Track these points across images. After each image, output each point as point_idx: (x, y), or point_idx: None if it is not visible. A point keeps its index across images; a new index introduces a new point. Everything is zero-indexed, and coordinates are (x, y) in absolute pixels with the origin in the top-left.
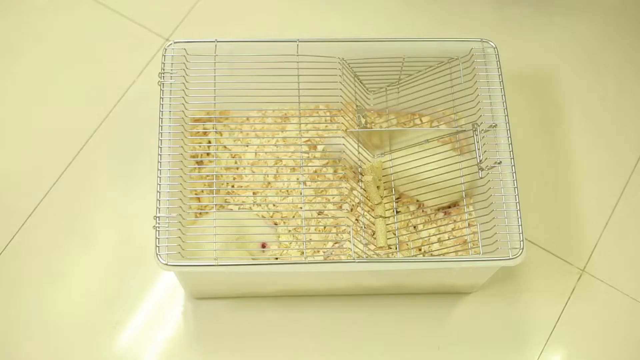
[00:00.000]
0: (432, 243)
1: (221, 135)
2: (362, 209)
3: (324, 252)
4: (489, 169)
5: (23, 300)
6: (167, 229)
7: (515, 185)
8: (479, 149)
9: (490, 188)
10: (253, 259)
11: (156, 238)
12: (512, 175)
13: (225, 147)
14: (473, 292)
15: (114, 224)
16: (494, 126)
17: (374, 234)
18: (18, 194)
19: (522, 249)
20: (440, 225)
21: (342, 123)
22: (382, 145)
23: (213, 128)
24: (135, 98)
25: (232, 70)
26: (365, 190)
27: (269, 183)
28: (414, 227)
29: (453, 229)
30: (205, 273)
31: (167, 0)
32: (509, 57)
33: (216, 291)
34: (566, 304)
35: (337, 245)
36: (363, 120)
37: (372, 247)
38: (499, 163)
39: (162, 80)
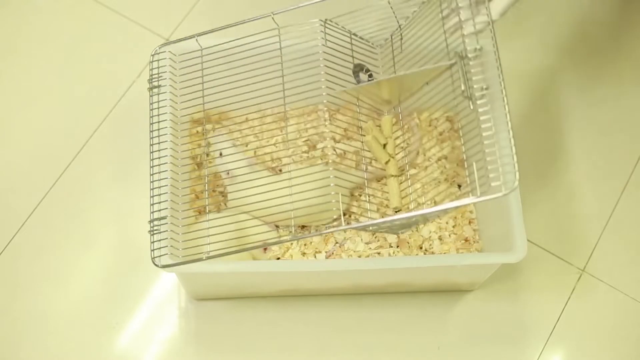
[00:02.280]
0: (433, 240)
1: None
2: (365, 166)
3: (326, 252)
4: (479, 99)
5: (23, 300)
6: (160, 231)
7: (508, 119)
8: (464, 76)
9: (490, 183)
10: (253, 257)
11: (151, 242)
12: (506, 115)
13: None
14: (474, 289)
15: (114, 224)
16: (479, 50)
17: (382, 206)
18: (18, 194)
19: (517, 180)
20: (441, 218)
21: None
22: (391, 99)
23: (212, 128)
24: (135, 98)
25: (218, 66)
26: (369, 151)
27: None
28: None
29: (454, 226)
30: (204, 274)
31: (167, 0)
32: (509, 57)
33: (216, 292)
34: (566, 303)
35: (337, 245)
36: (365, 77)
37: (385, 211)
38: (485, 89)
39: (151, 85)
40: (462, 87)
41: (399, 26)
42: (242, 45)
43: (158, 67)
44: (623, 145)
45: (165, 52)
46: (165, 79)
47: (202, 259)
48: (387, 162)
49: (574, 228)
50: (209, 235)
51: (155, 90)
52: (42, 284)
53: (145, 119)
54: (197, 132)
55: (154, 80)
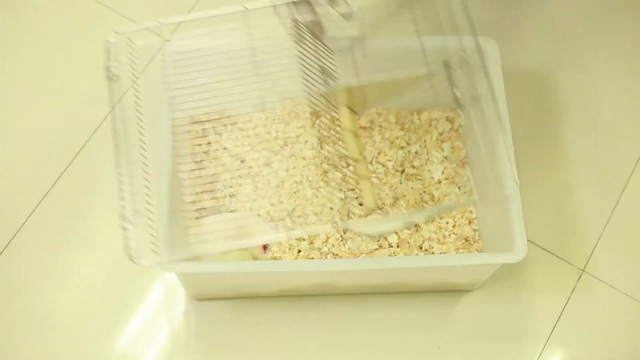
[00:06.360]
0: (433, 240)
1: (221, 135)
2: (341, 165)
3: (328, 249)
4: (469, 104)
5: (23, 300)
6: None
7: (516, 178)
8: (453, 85)
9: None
10: (254, 257)
11: (152, 247)
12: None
13: (225, 148)
14: (474, 289)
15: (114, 223)
16: (465, 57)
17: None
18: (18, 194)
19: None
20: (442, 217)
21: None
22: (355, 106)
23: (212, 128)
24: (135, 98)
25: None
26: (342, 142)
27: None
28: (415, 225)
29: (454, 226)
30: (204, 274)
31: (167, 0)
32: (508, 57)
33: (217, 292)
34: (566, 304)
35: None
36: (332, 82)
37: (357, 212)
38: (477, 97)
39: (109, 74)
40: (455, 95)
41: (362, 33)
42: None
43: (124, 64)
44: (623, 145)
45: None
46: (127, 76)
47: (211, 269)
48: (359, 161)
49: (574, 228)
50: (214, 236)
51: (114, 80)
52: (42, 284)
53: (146, 118)
54: (197, 131)
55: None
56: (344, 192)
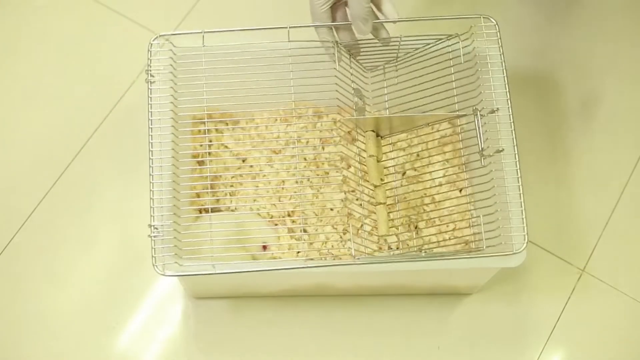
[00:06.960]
0: (432, 242)
1: (222, 133)
2: (361, 190)
3: (327, 251)
4: (490, 157)
5: (23, 300)
6: (161, 237)
7: (520, 183)
8: (480, 135)
9: (493, 186)
10: (253, 256)
11: (152, 248)
12: (516, 172)
13: (226, 146)
14: (474, 292)
15: (114, 223)
16: (496, 110)
17: (375, 223)
18: (18, 194)
19: (525, 243)
20: (442, 224)
21: (339, 120)
22: (381, 131)
23: (207, 126)
24: (135, 97)
25: (222, 63)
26: (364, 165)
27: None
28: (415, 227)
29: (454, 229)
30: (205, 275)
31: (167, 0)
32: (509, 57)
33: (217, 291)
34: (566, 304)
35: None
36: (361, 103)
37: (374, 238)
38: (500, 150)
39: (149, 78)
40: (480, 144)
41: (397, 57)
42: (249, 44)
43: (158, 59)
44: (623, 145)
45: (165, 43)
46: (164, 72)
47: (213, 271)
48: (377, 187)
49: (574, 228)
50: (211, 239)
51: (154, 84)
52: (42, 284)
53: (146, 118)
54: (200, 131)
55: (151, 70)
56: (345, 193)
